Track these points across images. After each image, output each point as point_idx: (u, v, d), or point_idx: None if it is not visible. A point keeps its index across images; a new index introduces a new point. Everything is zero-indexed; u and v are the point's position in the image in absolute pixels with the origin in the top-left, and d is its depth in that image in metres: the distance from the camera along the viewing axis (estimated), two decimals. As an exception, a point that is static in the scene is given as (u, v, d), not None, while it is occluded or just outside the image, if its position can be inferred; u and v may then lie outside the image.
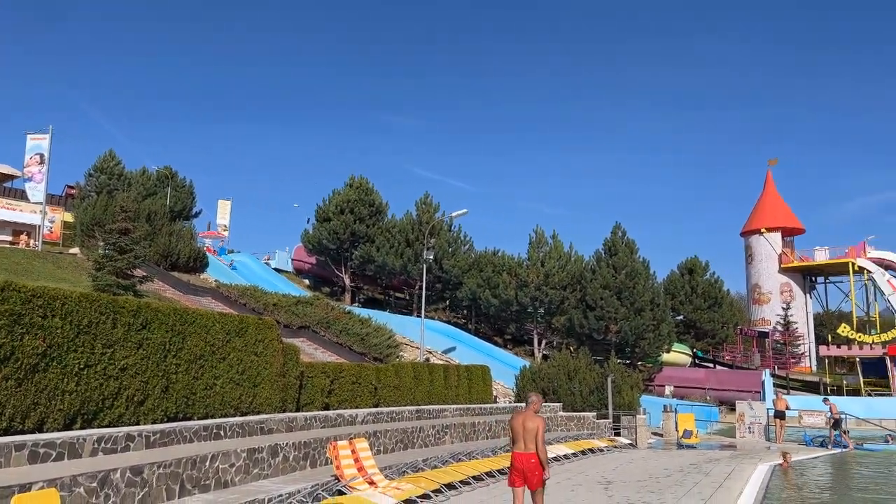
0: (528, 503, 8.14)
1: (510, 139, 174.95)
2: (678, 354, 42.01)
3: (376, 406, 16.94)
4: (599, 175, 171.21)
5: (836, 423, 23.05)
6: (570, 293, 38.04)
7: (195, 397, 10.97)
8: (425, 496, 10.85)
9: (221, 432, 10.64)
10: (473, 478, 12.86)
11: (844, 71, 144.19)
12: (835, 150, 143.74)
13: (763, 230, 54.84)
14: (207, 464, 8.81)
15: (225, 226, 54.65)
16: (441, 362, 29.37)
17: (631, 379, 28.03)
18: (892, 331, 43.28)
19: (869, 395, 38.58)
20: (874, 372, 40.28)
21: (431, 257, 31.67)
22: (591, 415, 23.47)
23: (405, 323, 36.15)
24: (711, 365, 46.27)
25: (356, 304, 42.92)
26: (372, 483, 10.59)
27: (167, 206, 42.19)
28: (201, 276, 37.55)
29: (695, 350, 45.75)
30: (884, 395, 37.92)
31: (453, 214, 32.10)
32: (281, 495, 8.93)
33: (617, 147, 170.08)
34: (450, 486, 11.84)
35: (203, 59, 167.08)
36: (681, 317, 45.52)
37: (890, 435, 24.90)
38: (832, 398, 28.05)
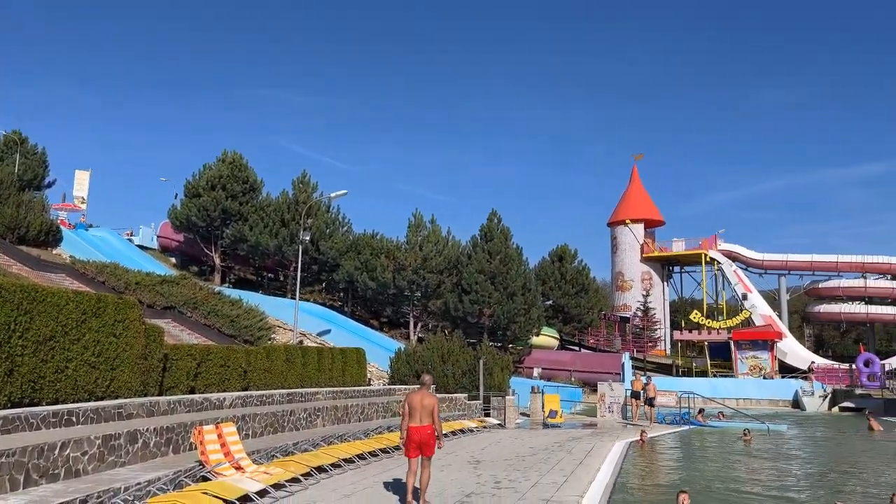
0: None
1: (391, 121, 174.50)
2: (547, 338, 43.80)
3: (246, 390, 16.44)
4: (477, 162, 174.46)
5: (649, 401, 24.75)
6: (446, 277, 38.61)
7: (44, 381, 10.14)
8: (295, 480, 10.67)
9: (74, 418, 9.92)
10: (345, 460, 12.79)
11: (708, 73, 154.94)
12: (694, 149, 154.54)
13: (628, 221, 58.09)
14: (57, 452, 8.19)
15: (83, 198, 50.82)
16: (315, 345, 28.96)
17: (502, 361, 28.91)
18: (737, 317, 47.33)
19: (714, 376, 42.00)
20: (720, 355, 43.89)
21: (308, 238, 31.04)
22: (462, 396, 23.99)
23: (279, 305, 35.28)
24: (577, 348, 48.63)
25: (227, 285, 41.38)
26: (239, 468, 10.28)
27: (15, 175, 38.59)
28: (54, 252, 34.74)
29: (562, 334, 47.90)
30: (727, 376, 41.46)
31: (332, 195, 31.57)
32: (139, 483, 8.47)
33: (495, 133, 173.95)
34: (320, 470, 11.70)
35: (73, 12, 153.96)
36: (550, 302, 47.45)
37: (721, 412, 27.22)
38: (673, 378, 30.32)
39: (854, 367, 40.80)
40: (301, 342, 28.82)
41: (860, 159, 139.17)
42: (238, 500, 8.94)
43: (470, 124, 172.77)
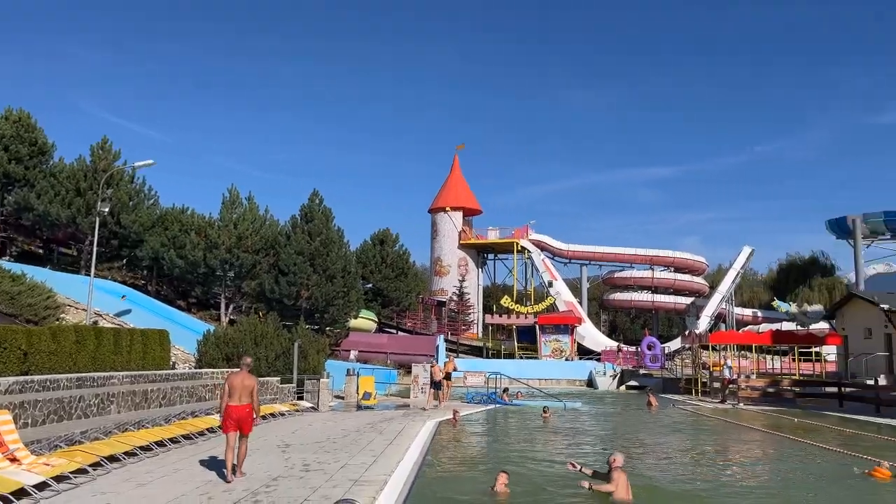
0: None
1: (208, 89, 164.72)
2: (365, 321, 43.93)
3: (26, 373, 14.72)
4: (297, 140, 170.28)
5: (447, 376, 25.87)
6: (263, 257, 37.28)
7: None
8: (82, 471, 9.73)
9: None
10: (142, 448, 11.91)
11: (525, 75, 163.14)
12: (510, 143, 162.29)
13: (447, 209, 59.72)
14: None
15: None
16: (113, 326, 26.66)
17: (318, 344, 28.52)
18: (543, 303, 50.54)
19: (521, 358, 44.61)
20: (527, 338, 46.70)
21: (107, 210, 28.42)
22: (275, 379, 23.32)
23: (71, 282, 32.00)
24: (395, 331, 49.30)
25: (7, 258, 36.81)
26: (15, 460, 9.20)
27: None
28: None
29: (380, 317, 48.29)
30: (532, 357, 44.21)
31: (137, 164, 29.10)
32: None
33: (319, 115, 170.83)
34: (112, 459, 10.79)
35: None
36: (370, 285, 47.60)
37: (520, 392, 29.02)
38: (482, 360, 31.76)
39: (639, 349, 45.35)
40: (96, 322, 26.40)
41: (652, 162, 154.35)
42: (13, 494, 7.99)
43: (294, 103, 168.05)
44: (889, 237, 56.84)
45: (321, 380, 23.13)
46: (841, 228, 56.57)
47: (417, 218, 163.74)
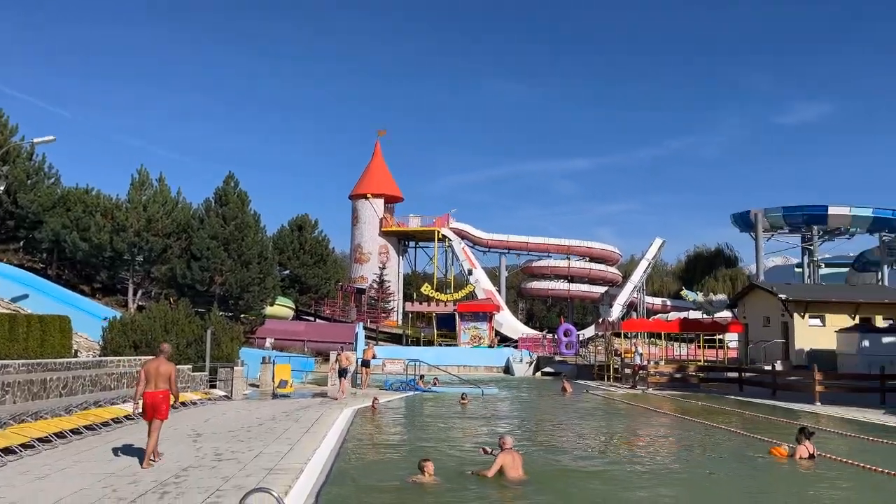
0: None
1: (115, 63, 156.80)
2: (282, 308, 43.05)
3: None
4: (213, 122, 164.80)
5: (366, 363, 25.89)
6: (174, 241, 35.88)
7: None
8: (-32, 466, 9.09)
9: None
10: (40, 440, 11.25)
11: (451, 65, 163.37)
12: (433, 130, 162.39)
13: (368, 196, 59.18)
14: None
15: None
16: (7, 312, 25.06)
17: (232, 331, 27.76)
18: (462, 291, 50.94)
19: (440, 345, 44.85)
20: (446, 325, 46.96)
21: (2, 188, 26.62)
22: (186, 368, 22.52)
23: (-39, 265, 29.87)
24: (313, 318, 48.57)
25: None
26: None
27: None
28: None
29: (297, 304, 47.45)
30: (451, 345, 44.52)
31: (36, 140, 27.34)
32: None
33: (236, 97, 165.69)
34: (7, 451, 10.15)
35: None
36: (287, 271, 46.66)
37: (436, 378, 29.19)
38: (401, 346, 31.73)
39: (555, 336, 46.45)
40: (-10, 308, 24.75)
41: (570, 154, 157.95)
42: None
43: (210, 83, 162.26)
44: (787, 231, 60.34)
45: (235, 368, 22.53)
46: (744, 222, 59.58)
47: (338, 204, 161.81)
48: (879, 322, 30.98)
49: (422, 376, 27.57)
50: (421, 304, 48.83)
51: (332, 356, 27.29)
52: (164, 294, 36.94)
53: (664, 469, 11.64)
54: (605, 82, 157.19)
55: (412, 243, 63.44)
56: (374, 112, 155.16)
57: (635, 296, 56.31)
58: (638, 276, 56.57)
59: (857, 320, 30.90)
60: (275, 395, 22.67)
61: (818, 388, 22.04)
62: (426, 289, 49.65)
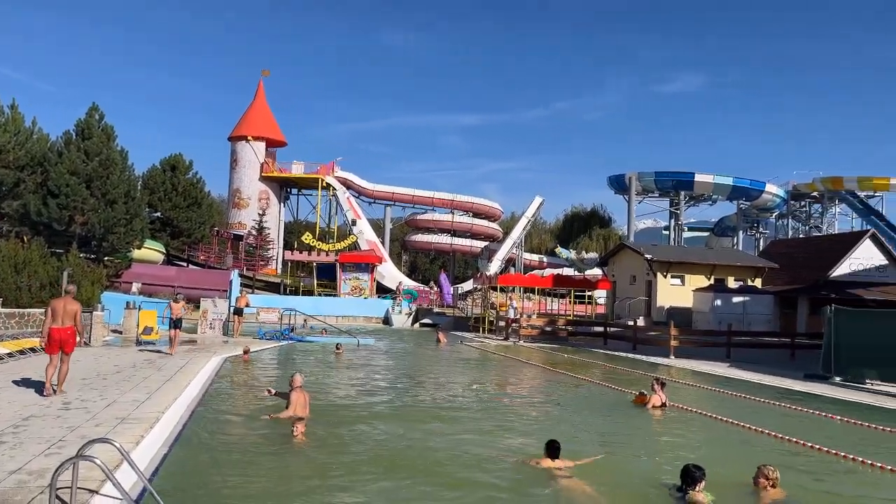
0: None
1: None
2: (150, 251, 40.80)
3: None
4: (75, 46, 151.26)
5: (239, 311, 25.33)
6: (28, 175, 32.86)
7: None
8: None
9: None
10: None
11: (344, 11, 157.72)
12: (322, 75, 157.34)
13: (249, 138, 56.69)
14: None
15: None
16: None
17: (93, 274, 26.02)
18: (345, 241, 50.31)
19: (320, 295, 44.23)
20: (327, 275, 46.27)
21: None
22: (38, 311, 20.90)
23: None
24: (185, 264, 46.40)
25: None
26: None
27: None
28: None
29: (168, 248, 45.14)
30: (331, 295, 44.03)
31: None
32: None
33: (103, 18, 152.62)
34: None
35: None
36: (158, 213, 44.15)
37: (324, 329, 28.93)
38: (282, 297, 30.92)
39: (434, 288, 47.04)
40: None
41: (461, 109, 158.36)
42: None
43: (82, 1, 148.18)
44: (657, 195, 63.73)
45: (94, 313, 21.10)
46: (619, 185, 62.30)
47: (215, 145, 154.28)
48: (731, 283, 33.54)
49: (292, 328, 27.00)
50: (301, 252, 47.81)
51: (204, 304, 26.27)
52: (14, 232, 33.91)
53: (533, 416, 12.06)
54: (498, 42, 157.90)
55: (295, 190, 61.71)
56: (260, 55, 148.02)
57: (514, 252, 57.86)
58: (518, 232, 58.05)
59: (712, 281, 33.29)
60: (139, 343, 21.51)
61: (673, 342, 23.62)
62: (307, 238, 48.60)
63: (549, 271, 52.39)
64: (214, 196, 63.50)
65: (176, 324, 19.16)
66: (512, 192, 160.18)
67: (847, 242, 34.31)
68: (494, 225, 66.10)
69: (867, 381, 16.67)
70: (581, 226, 73.73)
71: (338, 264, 44.84)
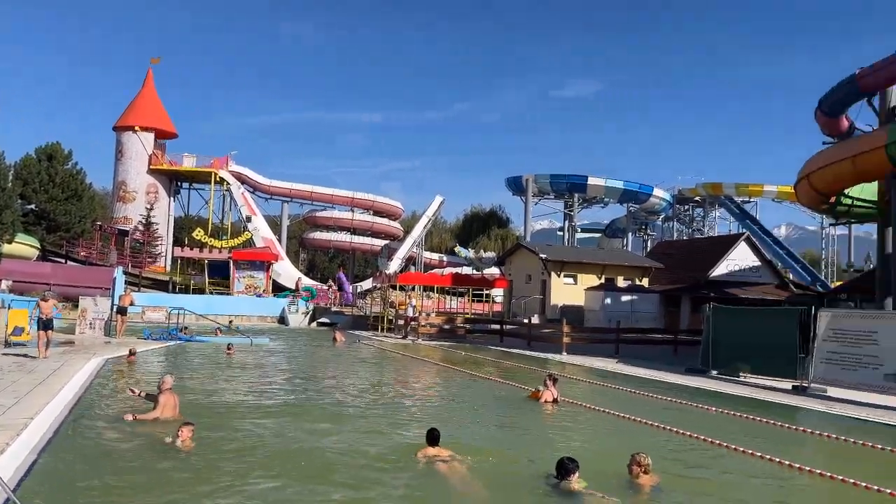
0: None
1: None
2: (23, 246, 37.93)
3: None
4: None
5: (122, 311, 24.14)
6: None
7: None
8: None
9: None
10: None
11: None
12: (216, 64, 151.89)
13: (136, 128, 53.82)
14: None
15: None
16: None
17: (-45, 270, 23.81)
18: (239, 238, 48.72)
19: (212, 293, 42.60)
20: (220, 273, 44.60)
21: None
22: None
23: None
24: (63, 260, 43.43)
25: None
26: None
27: None
28: None
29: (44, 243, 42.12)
30: (224, 293, 42.50)
31: None
32: None
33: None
34: None
35: None
36: (32, 206, 41.14)
37: (219, 328, 27.87)
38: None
39: (332, 287, 46.41)
40: None
41: (363, 108, 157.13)
42: None
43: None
44: (553, 197, 65.63)
45: (-45, 312, 19.34)
46: (516, 186, 63.71)
47: (99, 135, 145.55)
48: (621, 282, 35.00)
49: (185, 327, 25.86)
50: (192, 249, 45.88)
51: (83, 302, 24.68)
52: None
53: (430, 412, 12.05)
54: (401, 40, 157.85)
55: (186, 184, 59.14)
56: (151, 43, 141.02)
57: (415, 250, 57.96)
58: (418, 231, 58.16)
59: (603, 280, 34.61)
60: (8, 344, 19.88)
61: (566, 339, 24.35)
62: (199, 234, 46.68)
63: (448, 270, 52.82)
64: (98, 189, 59.89)
65: (46, 325, 17.35)
66: (413, 191, 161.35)
67: (725, 244, 36.58)
68: (395, 224, 65.98)
69: (741, 374, 17.79)
70: (480, 226, 74.84)
71: (231, 262, 43.35)
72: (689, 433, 10.42)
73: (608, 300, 31.91)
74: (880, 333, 14.59)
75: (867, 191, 27.23)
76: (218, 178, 54.34)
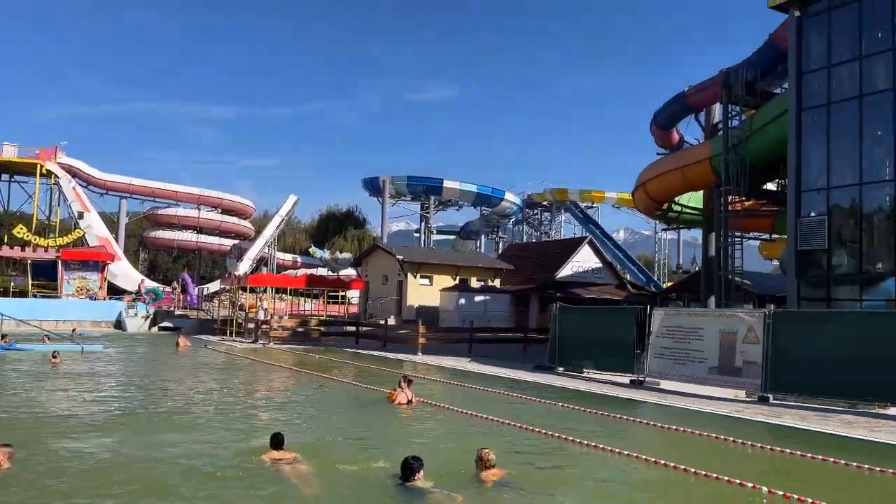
0: None
1: None
2: None
3: None
4: None
5: None
6: None
7: None
8: None
9: None
10: None
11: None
12: (50, 50, 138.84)
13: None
14: None
15: None
16: None
17: None
18: (69, 236, 44.72)
19: (35, 296, 38.76)
20: (46, 275, 40.69)
21: None
22: None
23: None
24: None
25: None
26: None
27: None
28: None
29: None
30: (51, 296, 38.79)
31: None
32: None
33: None
34: None
35: None
36: None
37: (46, 335, 25.36)
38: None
39: (176, 289, 43.82)
40: None
41: (214, 101, 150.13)
42: None
43: None
44: (410, 199, 66.13)
45: None
46: (373, 187, 63.54)
47: None
48: (474, 283, 35.83)
49: (4, 335, 23.24)
50: (13, 248, 41.45)
51: None
52: None
53: (275, 419, 11.54)
54: (257, 34, 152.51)
55: (6, 177, 53.40)
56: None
57: (266, 251, 56.10)
58: (270, 231, 56.33)
59: (457, 281, 35.25)
60: None
61: (421, 340, 24.50)
62: (20, 231, 42.32)
63: (302, 271, 51.62)
64: None
65: None
66: (267, 189, 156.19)
67: (570, 247, 38.54)
68: (246, 223, 63.56)
69: (585, 370, 18.71)
70: (336, 226, 73.94)
71: (60, 262, 39.72)
72: (535, 428, 10.75)
73: (462, 300, 32.53)
74: (705, 330, 15.90)
75: (694, 199, 29.80)
76: (45, 171, 49.53)
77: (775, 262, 48.71)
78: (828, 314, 16.68)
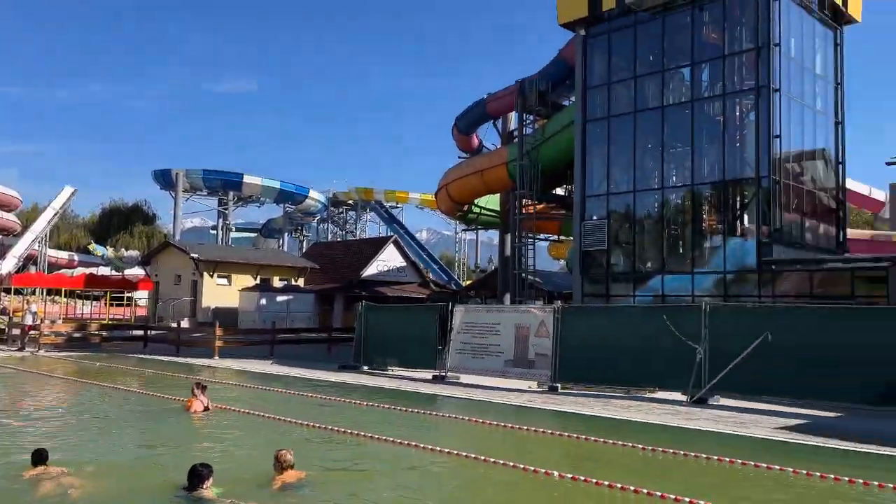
0: None
1: None
2: None
3: None
4: None
5: None
6: None
7: None
8: None
9: None
10: None
11: None
12: None
13: None
14: None
15: None
16: None
17: None
18: None
19: None
20: None
21: None
22: None
23: None
24: None
25: None
26: None
27: None
28: None
29: None
30: None
31: None
32: None
33: None
34: None
35: None
36: None
37: None
38: None
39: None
40: None
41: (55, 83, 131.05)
42: None
43: None
44: (206, 193, 62.64)
45: None
46: (165, 180, 59.32)
47: None
48: (277, 282, 34.72)
49: None
50: None
51: None
52: None
53: (43, 434, 10.23)
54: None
55: None
56: None
57: (36, 248, 50.08)
58: (41, 226, 50.35)
59: (258, 280, 33.93)
60: None
61: (218, 343, 23.22)
62: None
63: (80, 270, 46.83)
64: None
65: None
66: (38, 179, 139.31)
67: (375, 246, 38.76)
68: (11, 216, 56.30)
69: (390, 367, 18.87)
70: (121, 221, 68.09)
71: None
72: (338, 428, 10.61)
73: (263, 301, 31.38)
74: (502, 325, 16.75)
75: (492, 202, 31.40)
76: None
77: (562, 262, 52.86)
78: (605, 309, 18.39)
